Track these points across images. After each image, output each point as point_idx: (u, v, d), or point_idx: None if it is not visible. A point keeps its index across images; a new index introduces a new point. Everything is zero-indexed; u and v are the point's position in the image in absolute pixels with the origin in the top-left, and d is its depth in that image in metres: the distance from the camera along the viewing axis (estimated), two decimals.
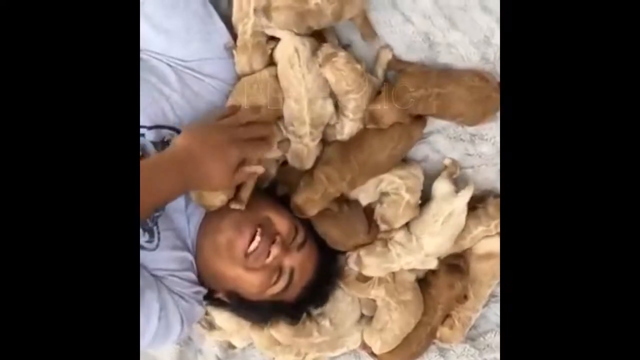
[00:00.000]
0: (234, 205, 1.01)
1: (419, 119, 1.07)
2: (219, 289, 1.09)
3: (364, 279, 1.16)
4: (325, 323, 1.18)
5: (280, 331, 1.16)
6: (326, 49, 0.99)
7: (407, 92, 1.01)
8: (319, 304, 1.16)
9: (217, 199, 1.01)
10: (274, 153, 1.06)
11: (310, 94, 1.00)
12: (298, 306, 1.13)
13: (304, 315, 1.17)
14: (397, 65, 1.05)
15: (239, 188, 1.02)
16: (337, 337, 1.20)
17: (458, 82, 1.02)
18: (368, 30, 1.03)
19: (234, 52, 1.01)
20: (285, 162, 1.09)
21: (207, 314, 1.19)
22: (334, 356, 1.26)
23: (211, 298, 1.12)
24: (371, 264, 1.12)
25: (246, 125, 0.97)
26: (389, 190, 1.10)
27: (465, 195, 1.11)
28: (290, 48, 0.98)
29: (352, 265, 1.13)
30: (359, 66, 1.01)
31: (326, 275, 1.13)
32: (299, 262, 1.06)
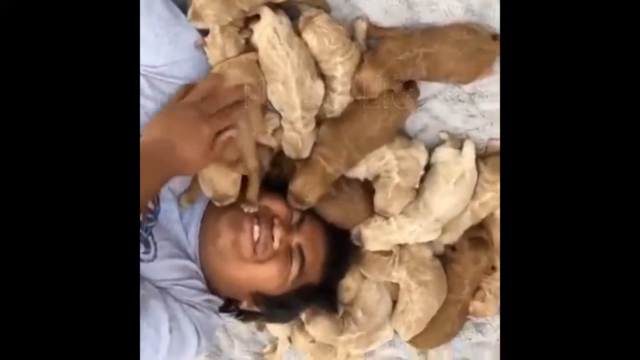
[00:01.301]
0: (247, 208, 0.98)
1: (410, 86, 1.01)
2: (240, 297, 1.06)
3: (385, 253, 1.11)
4: (358, 314, 1.14)
5: (318, 329, 1.12)
6: (307, 13, 0.96)
7: (392, 56, 0.95)
8: (344, 274, 1.13)
9: (228, 181, 0.96)
10: (269, 141, 1.02)
11: (297, 73, 0.95)
12: (328, 286, 1.09)
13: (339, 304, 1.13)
14: (377, 33, 0.99)
15: (244, 189, 0.99)
16: (373, 330, 1.15)
17: (444, 39, 0.95)
18: (318, 3, 0.98)
19: (205, 48, 0.97)
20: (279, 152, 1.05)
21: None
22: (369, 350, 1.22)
23: (238, 310, 1.09)
24: (371, 237, 1.08)
25: (210, 98, 0.92)
26: (382, 171, 1.04)
27: (470, 150, 1.04)
28: (268, 29, 0.94)
29: (354, 240, 1.09)
30: (341, 27, 0.96)
31: (342, 245, 1.09)
32: (304, 239, 1.02)
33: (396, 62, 0.95)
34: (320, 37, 0.95)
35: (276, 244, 0.99)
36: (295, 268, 1.01)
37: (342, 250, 1.10)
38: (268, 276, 1.00)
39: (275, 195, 1.03)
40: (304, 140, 1.00)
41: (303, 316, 1.16)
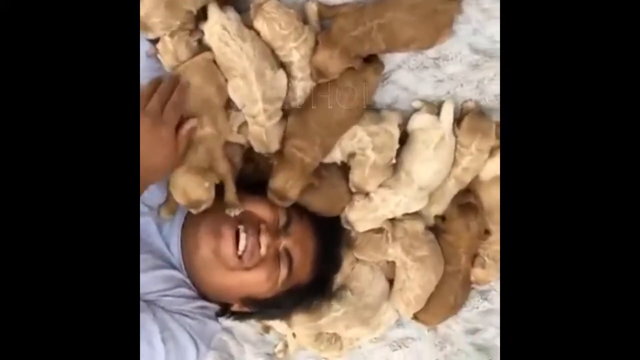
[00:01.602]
0: (232, 212, 0.96)
1: (372, 60, 0.98)
2: (230, 301, 1.04)
3: (376, 231, 1.08)
4: (347, 293, 1.12)
5: (298, 323, 1.11)
6: (256, 1, 0.94)
7: (345, 33, 0.92)
8: (338, 268, 1.10)
9: (201, 189, 0.94)
10: (237, 138, 1.00)
11: (255, 65, 0.93)
12: (320, 282, 1.07)
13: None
14: (329, 12, 0.96)
15: (222, 192, 0.97)
16: (363, 308, 1.12)
17: (397, 6, 0.92)
18: None
19: (158, 56, 0.95)
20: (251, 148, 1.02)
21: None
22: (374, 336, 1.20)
23: (230, 313, 1.07)
24: (358, 218, 1.05)
25: (154, 96, 0.90)
26: (355, 149, 1.01)
27: (448, 111, 1.01)
28: (216, 27, 0.92)
29: (344, 224, 1.06)
30: (291, 10, 0.94)
31: (332, 241, 1.07)
32: (292, 241, 1.00)
33: (350, 38, 0.93)
34: (270, 23, 0.93)
35: (263, 251, 0.96)
36: (283, 271, 0.99)
37: (333, 246, 1.07)
38: (256, 282, 0.98)
39: (257, 198, 1.00)
40: (269, 134, 0.97)
41: None
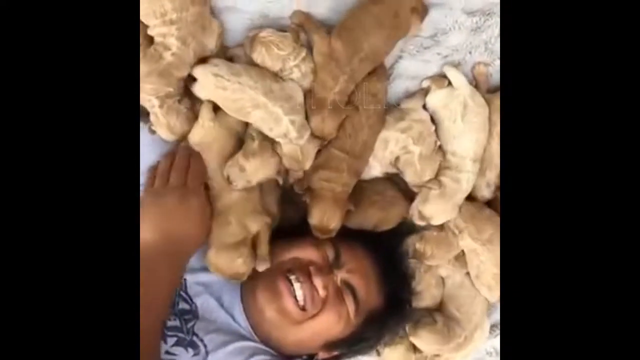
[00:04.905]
0: (260, 267, 0.94)
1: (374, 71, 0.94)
2: (314, 352, 1.01)
3: (440, 228, 1.03)
4: (455, 314, 1.07)
5: (424, 342, 1.06)
6: (252, 34, 0.92)
7: (328, 90, 0.92)
8: (409, 281, 1.05)
9: (236, 265, 0.93)
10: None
11: (259, 88, 0.90)
12: (396, 301, 1.02)
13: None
14: (308, 25, 0.93)
15: (254, 246, 0.95)
16: (474, 329, 1.08)
17: (367, 32, 0.89)
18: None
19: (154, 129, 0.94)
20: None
21: None
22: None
23: None
24: (435, 210, 0.98)
25: (173, 171, 0.90)
26: (398, 152, 0.98)
27: (456, 75, 0.96)
28: (209, 77, 0.90)
29: (417, 221, 1.00)
30: (287, 33, 0.92)
31: (389, 254, 1.03)
32: (347, 272, 0.96)
33: (335, 95, 0.92)
34: (268, 47, 0.91)
35: (322, 292, 0.93)
36: (351, 305, 0.96)
37: (393, 261, 1.03)
38: (329, 325, 0.95)
39: (300, 241, 0.98)
40: (304, 150, 0.93)
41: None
